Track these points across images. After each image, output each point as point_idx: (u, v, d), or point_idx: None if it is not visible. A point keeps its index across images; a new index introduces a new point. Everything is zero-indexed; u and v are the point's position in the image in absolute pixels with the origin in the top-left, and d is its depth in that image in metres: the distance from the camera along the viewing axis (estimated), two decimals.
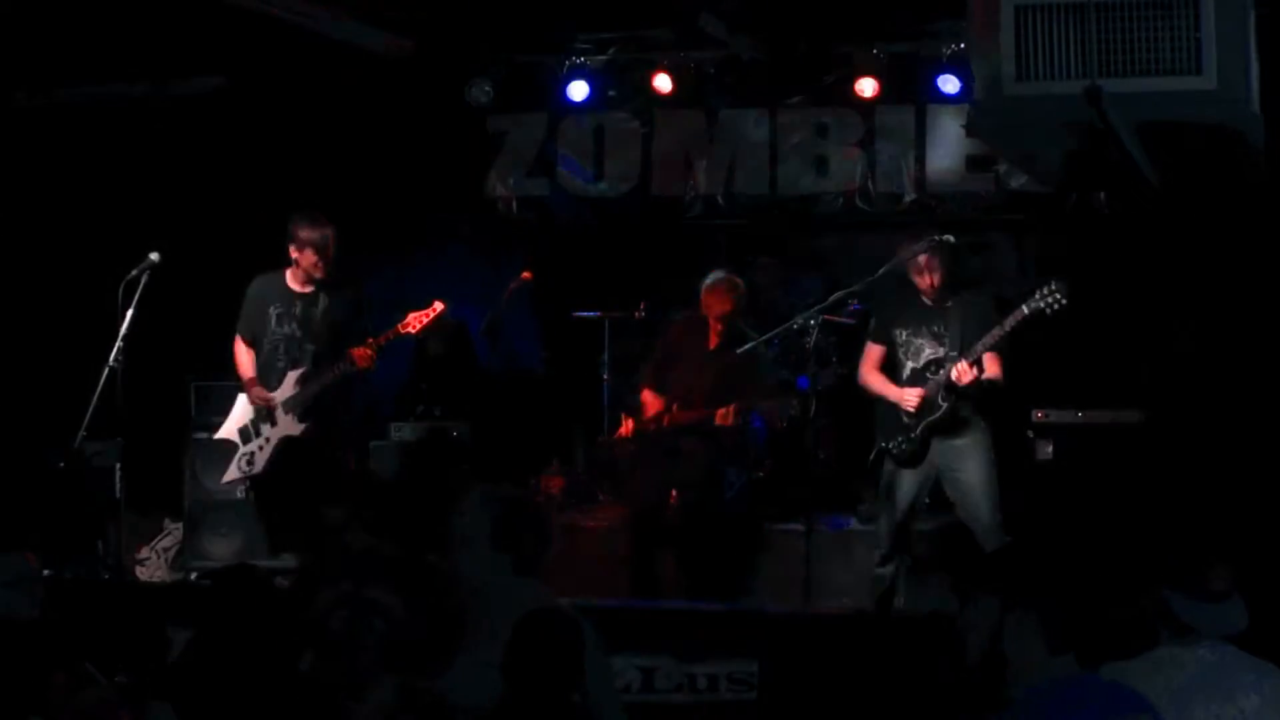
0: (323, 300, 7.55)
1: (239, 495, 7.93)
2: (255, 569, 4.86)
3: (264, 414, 7.57)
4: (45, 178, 9.52)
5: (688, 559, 7.92)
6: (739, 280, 7.95)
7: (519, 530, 4.51)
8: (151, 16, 8.62)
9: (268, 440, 7.56)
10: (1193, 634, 3.83)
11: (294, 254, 7.53)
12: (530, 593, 4.46)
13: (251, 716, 4.47)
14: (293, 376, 7.55)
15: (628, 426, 8.03)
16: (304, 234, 7.49)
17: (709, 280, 7.93)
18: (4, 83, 9.25)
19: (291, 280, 7.61)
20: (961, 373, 7.04)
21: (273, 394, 7.56)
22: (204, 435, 8.27)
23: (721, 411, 7.68)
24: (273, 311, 7.60)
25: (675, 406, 7.90)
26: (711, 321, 7.91)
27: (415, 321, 7.53)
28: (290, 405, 7.53)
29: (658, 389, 7.98)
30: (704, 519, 7.88)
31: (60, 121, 9.61)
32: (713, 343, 7.96)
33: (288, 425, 7.52)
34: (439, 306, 7.57)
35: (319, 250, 7.46)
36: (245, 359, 7.69)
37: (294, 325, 7.55)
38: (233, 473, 7.68)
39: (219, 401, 8.13)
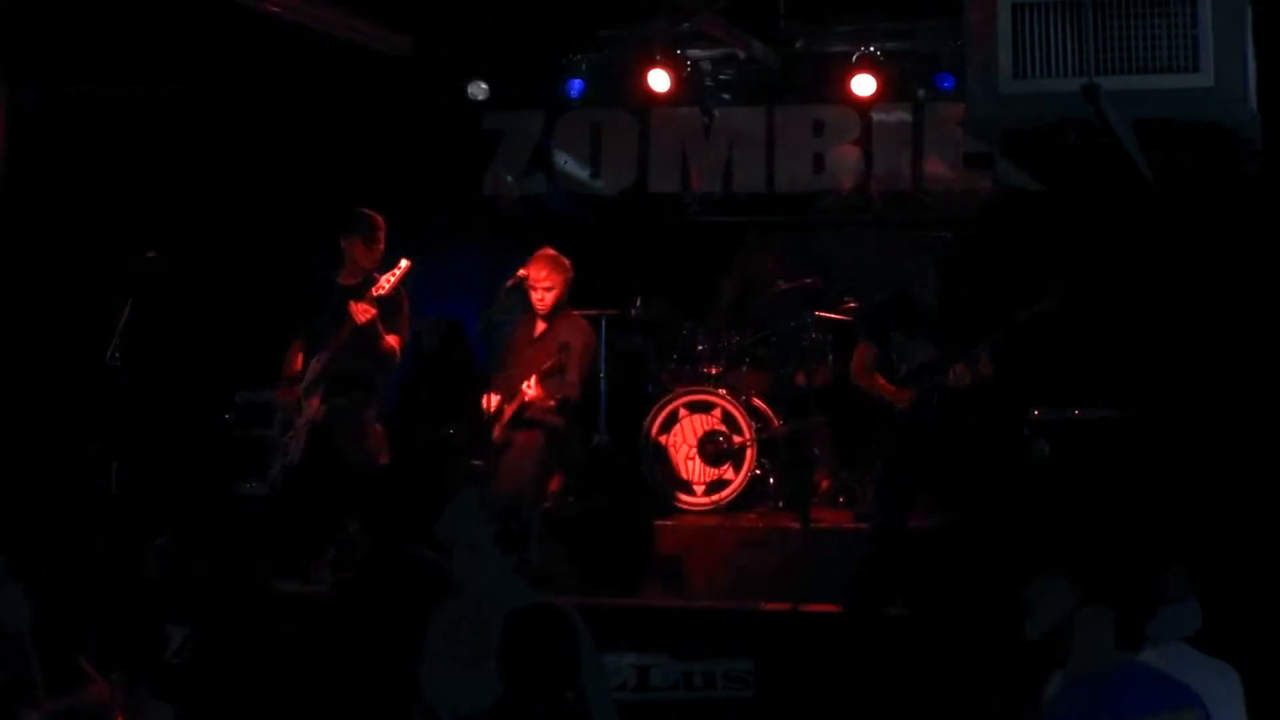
0: (365, 291, 7.63)
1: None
2: (252, 567, 4.86)
3: (294, 406, 7.68)
4: (45, 175, 9.50)
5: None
6: (565, 260, 8.02)
7: (520, 533, 4.50)
8: (149, 14, 8.62)
9: (297, 429, 7.66)
10: (1147, 638, 3.82)
11: (344, 245, 7.75)
12: (528, 595, 4.46)
13: (248, 715, 4.48)
14: (315, 361, 7.66)
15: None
16: (357, 225, 7.72)
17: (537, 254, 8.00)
18: (13, 80, 9.25)
19: (344, 275, 7.80)
20: (958, 376, 7.06)
21: (298, 385, 7.67)
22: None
23: (525, 385, 7.76)
24: (321, 306, 7.77)
25: (500, 401, 7.92)
26: (535, 297, 7.97)
27: (385, 282, 7.55)
28: (313, 389, 7.62)
29: (495, 390, 7.97)
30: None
31: (60, 119, 9.60)
32: (537, 329, 8.06)
33: (310, 411, 7.61)
34: (405, 263, 7.60)
35: (372, 239, 7.71)
36: (291, 359, 7.84)
37: (330, 315, 7.65)
38: (275, 468, 7.76)
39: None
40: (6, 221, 9.21)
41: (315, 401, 7.58)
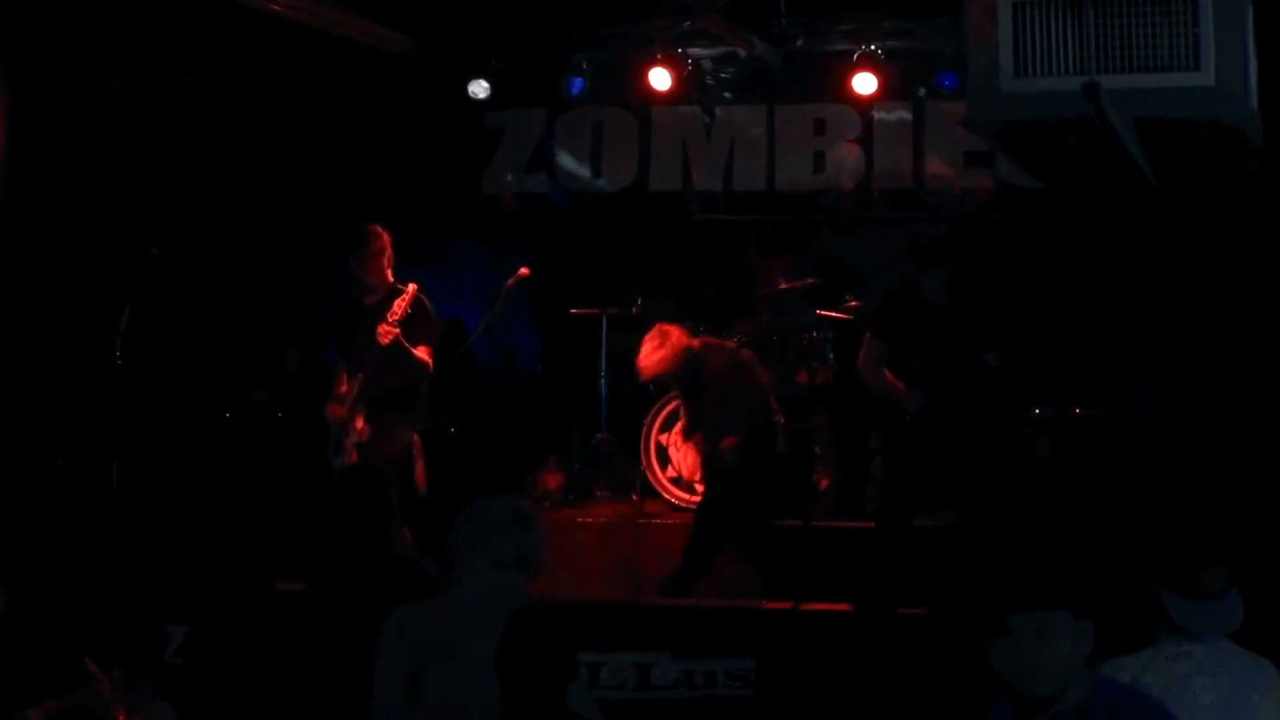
0: (385, 309, 7.64)
1: None
2: (251, 567, 4.86)
3: (343, 423, 7.76)
4: (47, 175, 9.51)
5: None
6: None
7: (533, 544, 4.49)
8: (150, 12, 8.63)
9: (346, 448, 7.73)
10: (1187, 632, 3.83)
11: (354, 267, 7.80)
12: (524, 597, 4.46)
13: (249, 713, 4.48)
14: (352, 382, 7.74)
15: None
16: (360, 244, 7.77)
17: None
18: (14, 79, 9.25)
19: (366, 295, 7.85)
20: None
21: (342, 405, 7.76)
22: None
23: None
24: (353, 329, 7.83)
25: None
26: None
27: (397, 307, 7.57)
28: (355, 408, 7.70)
29: None
30: None
31: (62, 119, 9.61)
32: None
33: (356, 432, 7.70)
34: (411, 287, 7.64)
35: (378, 253, 7.75)
36: (339, 381, 7.90)
37: (361, 337, 7.71)
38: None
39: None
40: (9, 220, 9.21)
41: (359, 421, 7.67)
